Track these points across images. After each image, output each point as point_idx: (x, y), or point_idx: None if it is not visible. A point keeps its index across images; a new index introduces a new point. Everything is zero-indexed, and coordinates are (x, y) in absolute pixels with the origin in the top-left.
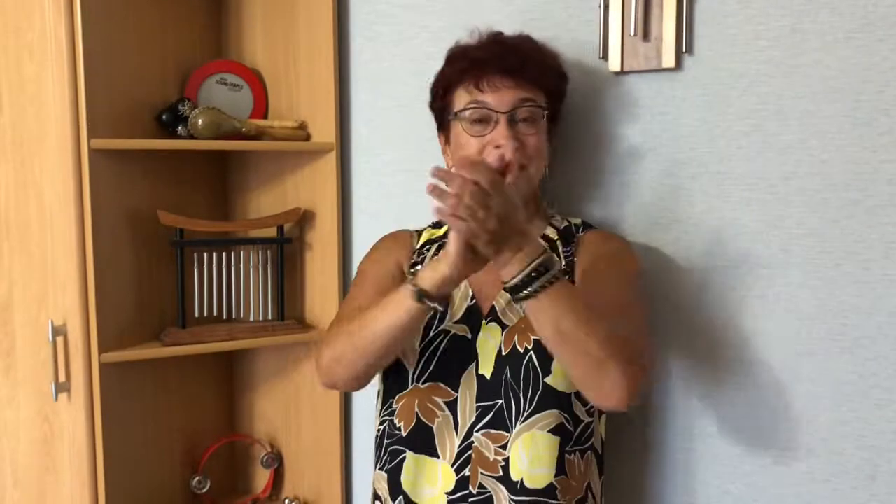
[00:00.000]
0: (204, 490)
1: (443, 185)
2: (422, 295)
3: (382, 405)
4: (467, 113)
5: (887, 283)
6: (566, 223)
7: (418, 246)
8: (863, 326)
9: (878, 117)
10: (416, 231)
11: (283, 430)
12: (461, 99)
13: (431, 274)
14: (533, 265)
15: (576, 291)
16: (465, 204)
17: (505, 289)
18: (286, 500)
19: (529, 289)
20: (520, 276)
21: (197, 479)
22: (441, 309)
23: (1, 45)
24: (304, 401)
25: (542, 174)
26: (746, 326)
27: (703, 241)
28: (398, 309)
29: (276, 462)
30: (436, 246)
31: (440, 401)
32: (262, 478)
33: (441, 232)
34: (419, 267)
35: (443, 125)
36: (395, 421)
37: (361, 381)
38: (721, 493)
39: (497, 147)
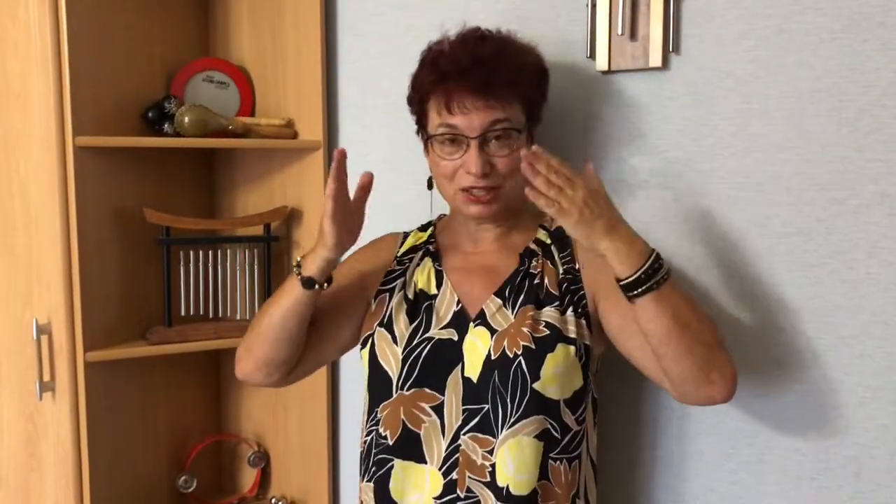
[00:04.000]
0: (190, 489)
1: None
2: (309, 282)
3: (368, 416)
4: (439, 136)
5: (871, 282)
6: (557, 224)
7: (400, 253)
8: (848, 325)
9: (862, 117)
10: (405, 234)
11: (270, 429)
12: (433, 120)
13: (314, 261)
14: (653, 256)
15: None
16: (554, 182)
17: (625, 284)
18: (273, 500)
19: (655, 279)
20: (643, 269)
21: (183, 478)
22: (325, 289)
23: None
24: (291, 400)
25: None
26: (732, 325)
27: (690, 240)
28: (290, 297)
29: (263, 461)
30: (420, 253)
31: (426, 406)
32: (248, 477)
33: (425, 235)
34: (396, 275)
35: (421, 131)
36: (381, 430)
37: (265, 372)
38: (706, 490)
39: (469, 172)
